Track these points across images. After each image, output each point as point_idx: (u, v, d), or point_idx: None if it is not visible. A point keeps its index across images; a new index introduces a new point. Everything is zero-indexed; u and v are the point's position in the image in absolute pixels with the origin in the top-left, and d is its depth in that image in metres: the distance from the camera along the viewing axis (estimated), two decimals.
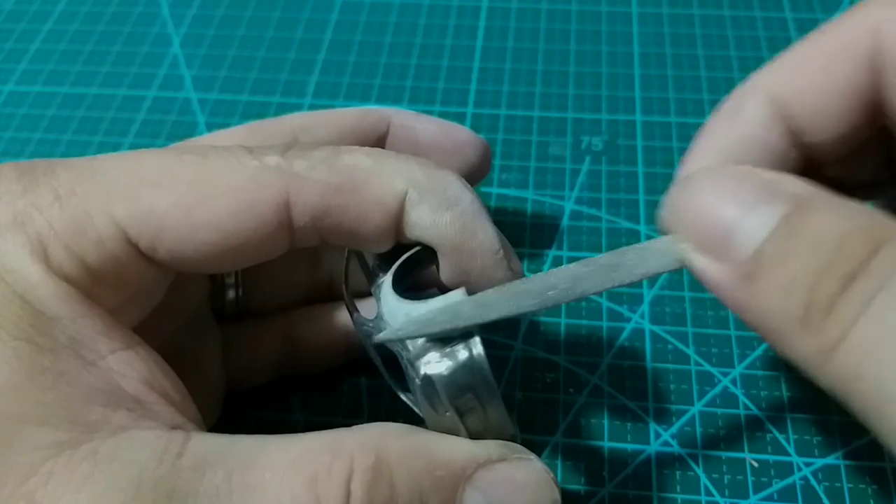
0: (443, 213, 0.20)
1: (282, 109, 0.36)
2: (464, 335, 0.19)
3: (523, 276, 0.21)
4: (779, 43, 0.38)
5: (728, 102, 0.21)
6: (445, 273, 0.20)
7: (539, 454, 0.25)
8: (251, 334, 0.25)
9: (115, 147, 0.35)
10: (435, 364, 0.19)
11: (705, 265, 0.17)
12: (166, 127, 0.36)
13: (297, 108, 0.36)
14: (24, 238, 0.18)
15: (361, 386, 0.27)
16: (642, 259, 0.19)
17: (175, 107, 0.37)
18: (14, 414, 0.16)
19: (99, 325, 0.18)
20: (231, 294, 0.25)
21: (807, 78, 0.20)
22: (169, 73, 0.38)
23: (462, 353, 0.19)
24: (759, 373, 0.27)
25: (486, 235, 0.20)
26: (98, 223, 0.18)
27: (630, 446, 0.26)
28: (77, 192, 0.18)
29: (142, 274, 0.19)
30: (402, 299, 0.20)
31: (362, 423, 0.26)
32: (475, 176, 0.28)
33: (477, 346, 0.19)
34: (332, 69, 0.38)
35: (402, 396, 0.21)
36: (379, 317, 0.20)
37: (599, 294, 0.29)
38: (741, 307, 0.17)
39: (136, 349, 0.18)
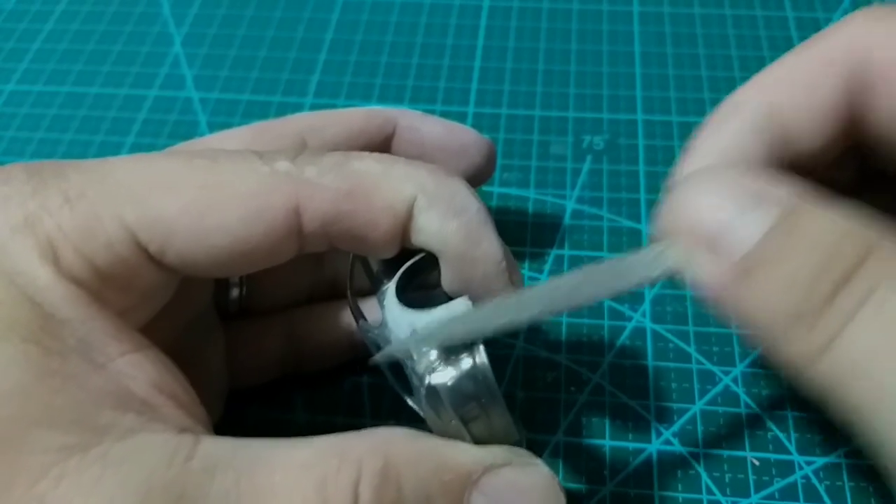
0: (450, 220, 0.20)
1: (283, 109, 0.36)
2: (467, 343, 0.19)
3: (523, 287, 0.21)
4: (779, 42, 0.38)
5: (716, 115, 0.22)
6: (447, 280, 0.20)
7: (540, 453, 0.25)
8: (254, 333, 0.25)
9: (117, 146, 0.35)
10: (439, 373, 0.19)
11: (700, 266, 0.18)
12: (168, 126, 0.36)
13: (298, 107, 0.36)
14: (34, 240, 0.18)
15: (364, 385, 0.27)
16: (641, 265, 0.19)
17: (176, 106, 0.37)
18: (24, 416, 0.16)
19: (108, 327, 0.18)
20: (235, 293, 0.25)
21: (790, 93, 0.21)
22: (170, 73, 0.38)
23: (466, 362, 0.19)
24: (761, 371, 0.27)
25: (491, 245, 0.20)
26: (108, 226, 0.18)
27: (631, 445, 0.26)
28: (87, 195, 0.18)
29: (150, 277, 0.19)
30: (405, 308, 0.20)
31: (365, 421, 0.26)
32: (480, 177, 0.28)
33: (481, 354, 0.19)
34: (334, 69, 0.38)
35: (407, 399, 0.21)
36: (384, 324, 0.20)
37: (600, 301, 0.29)
38: (735, 306, 0.17)
39: (144, 351, 0.18)
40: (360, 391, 0.27)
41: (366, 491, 0.17)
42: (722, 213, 0.17)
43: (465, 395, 0.18)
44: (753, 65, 0.37)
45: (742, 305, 0.17)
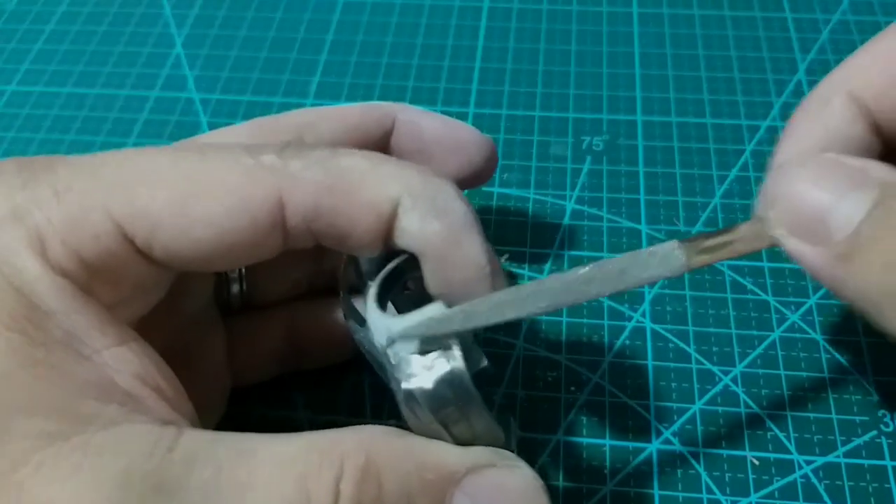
0: (431, 221, 0.19)
1: (284, 110, 0.36)
2: (443, 346, 0.19)
3: None
4: (778, 43, 0.38)
5: (812, 99, 0.23)
6: (429, 283, 0.20)
7: (541, 453, 0.25)
8: (256, 328, 0.25)
9: (118, 147, 0.35)
10: (416, 378, 0.18)
11: (801, 248, 0.19)
12: (169, 127, 0.36)
13: (299, 108, 0.36)
14: (22, 232, 0.18)
15: (364, 384, 0.27)
16: (648, 264, 0.19)
17: (177, 107, 0.37)
18: (6, 403, 0.16)
19: (94, 320, 0.18)
20: (235, 288, 0.25)
21: (881, 78, 0.22)
22: (171, 74, 0.38)
23: (442, 367, 0.18)
24: (760, 371, 0.27)
25: (473, 249, 0.20)
26: (95, 219, 0.18)
27: (631, 444, 0.26)
28: (75, 189, 0.18)
29: (139, 271, 0.19)
30: (383, 314, 0.20)
31: (365, 421, 0.26)
32: (480, 176, 0.28)
33: (456, 359, 0.18)
34: (334, 69, 0.38)
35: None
36: (367, 326, 0.20)
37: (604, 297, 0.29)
38: (838, 285, 0.18)
39: (130, 345, 0.18)
40: (361, 391, 0.27)
41: (347, 487, 0.17)
42: (821, 198, 0.18)
43: (441, 399, 0.18)
44: (752, 65, 0.37)
45: (845, 285, 0.18)
